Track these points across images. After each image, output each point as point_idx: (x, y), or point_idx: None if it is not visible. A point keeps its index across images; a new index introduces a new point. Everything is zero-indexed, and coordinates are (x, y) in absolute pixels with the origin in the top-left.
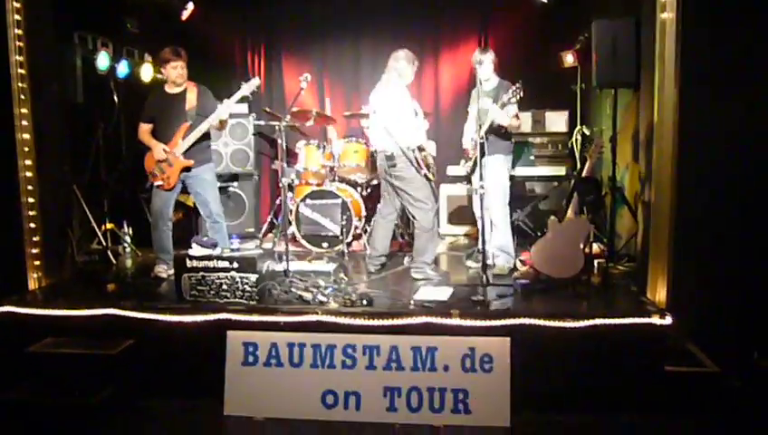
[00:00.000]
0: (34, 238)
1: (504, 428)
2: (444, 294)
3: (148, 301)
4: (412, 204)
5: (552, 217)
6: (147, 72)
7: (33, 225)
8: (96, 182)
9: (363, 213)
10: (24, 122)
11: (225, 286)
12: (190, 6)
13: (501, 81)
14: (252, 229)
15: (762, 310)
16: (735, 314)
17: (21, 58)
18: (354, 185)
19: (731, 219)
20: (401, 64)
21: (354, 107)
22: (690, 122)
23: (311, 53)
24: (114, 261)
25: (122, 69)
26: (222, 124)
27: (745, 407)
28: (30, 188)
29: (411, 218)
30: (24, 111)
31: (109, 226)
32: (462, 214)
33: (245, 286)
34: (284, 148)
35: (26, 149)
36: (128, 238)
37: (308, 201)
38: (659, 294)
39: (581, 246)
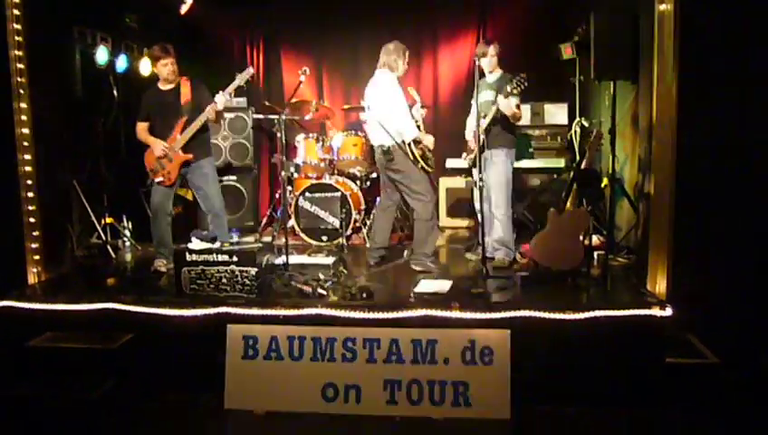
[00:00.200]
0: (34, 233)
1: (504, 420)
2: (444, 286)
3: (148, 295)
4: (411, 196)
5: (552, 210)
6: (146, 67)
7: (32, 219)
8: (95, 176)
9: (362, 206)
10: (24, 117)
11: (224, 280)
12: (189, 0)
13: (504, 73)
14: (251, 223)
15: (762, 301)
16: (736, 305)
17: (20, 53)
18: (353, 178)
19: (731, 210)
20: (392, 57)
21: (353, 100)
22: (689, 114)
23: (309, 47)
24: (114, 255)
25: (121, 63)
26: (218, 116)
27: (746, 398)
28: (29, 182)
29: (410, 211)
30: (23, 105)
31: (108, 220)
32: (461, 207)
33: (245, 280)
34: (283, 141)
35: (26, 143)
36: (127, 232)
37: (307, 194)
38: (659, 285)
39: (581, 238)
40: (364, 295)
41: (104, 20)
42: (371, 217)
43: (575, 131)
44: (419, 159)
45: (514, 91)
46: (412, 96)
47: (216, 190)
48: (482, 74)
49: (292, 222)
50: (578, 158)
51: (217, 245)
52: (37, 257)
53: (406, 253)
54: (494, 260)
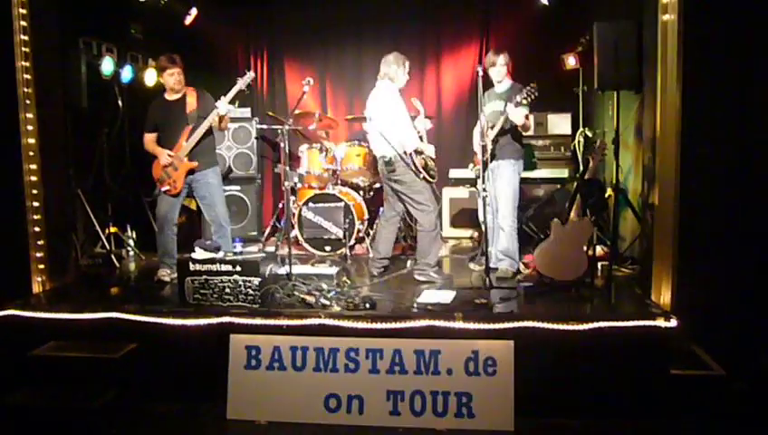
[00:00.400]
0: (39, 242)
1: (508, 432)
2: (447, 297)
3: (152, 304)
4: (413, 207)
5: (555, 220)
6: (151, 77)
7: (37, 228)
8: (100, 186)
9: (366, 216)
10: (30, 127)
11: (228, 290)
12: (194, 11)
13: (514, 83)
14: (255, 233)
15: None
16: (741, 316)
17: (26, 63)
18: (357, 188)
19: (736, 221)
20: (392, 68)
21: (356, 110)
22: (693, 124)
23: (313, 57)
24: (117, 265)
25: (126, 74)
26: (222, 121)
27: (752, 410)
28: (35, 192)
29: (413, 221)
30: (29, 115)
31: (112, 229)
32: (465, 217)
33: (248, 290)
34: (287, 151)
35: (31, 153)
36: (131, 242)
37: (311, 205)
38: (664, 296)
39: (585, 248)
40: (367, 306)
41: (110, 31)
42: (375, 227)
43: (579, 141)
44: (421, 169)
45: (524, 102)
46: (416, 107)
47: (221, 200)
48: (486, 85)
49: (295, 232)
50: (581, 168)
51: (221, 255)
52: (42, 266)
53: (409, 263)
54: (498, 270)
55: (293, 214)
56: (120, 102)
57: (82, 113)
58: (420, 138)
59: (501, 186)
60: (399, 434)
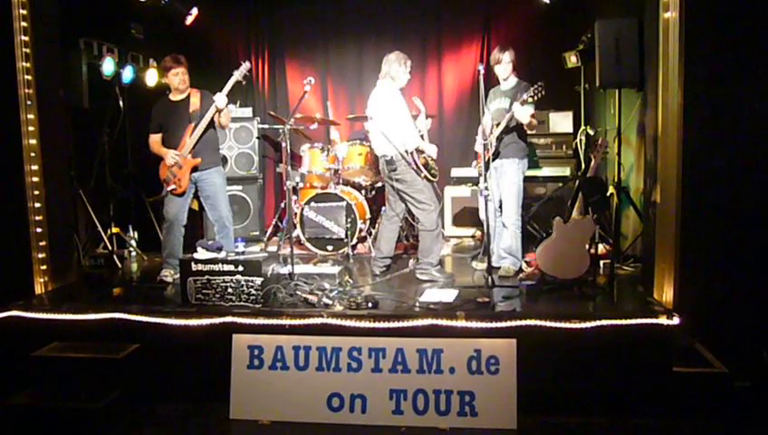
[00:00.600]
0: (41, 243)
1: (511, 430)
2: (449, 295)
3: (154, 305)
4: (415, 206)
5: (558, 218)
6: (152, 78)
7: (39, 229)
8: (102, 187)
9: (368, 215)
10: (31, 128)
11: (230, 290)
12: (194, 12)
13: (519, 81)
14: (257, 232)
15: None
16: (743, 313)
17: (27, 64)
18: (358, 187)
19: (738, 218)
20: (393, 67)
21: (358, 110)
22: (695, 121)
23: (314, 57)
24: (120, 265)
25: (127, 74)
26: (222, 116)
27: (754, 407)
28: (36, 192)
29: (414, 220)
30: (30, 116)
31: (114, 230)
32: (467, 216)
33: (251, 290)
34: (289, 151)
35: (33, 154)
36: (133, 242)
37: (312, 204)
38: (666, 294)
39: (587, 246)
40: (369, 305)
41: (110, 31)
42: (377, 226)
43: (580, 140)
44: (422, 168)
45: (531, 100)
46: (417, 106)
47: (224, 200)
48: (488, 83)
49: (297, 232)
50: (583, 166)
51: (223, 254)
52: (44, 267)
53: (411, 262)
54: (500, 269)
55: (295, 213)
56: (120, 103)
57: (83, 114)
58: (421, 137)
59: (505, 184)
60: (402, 433)
